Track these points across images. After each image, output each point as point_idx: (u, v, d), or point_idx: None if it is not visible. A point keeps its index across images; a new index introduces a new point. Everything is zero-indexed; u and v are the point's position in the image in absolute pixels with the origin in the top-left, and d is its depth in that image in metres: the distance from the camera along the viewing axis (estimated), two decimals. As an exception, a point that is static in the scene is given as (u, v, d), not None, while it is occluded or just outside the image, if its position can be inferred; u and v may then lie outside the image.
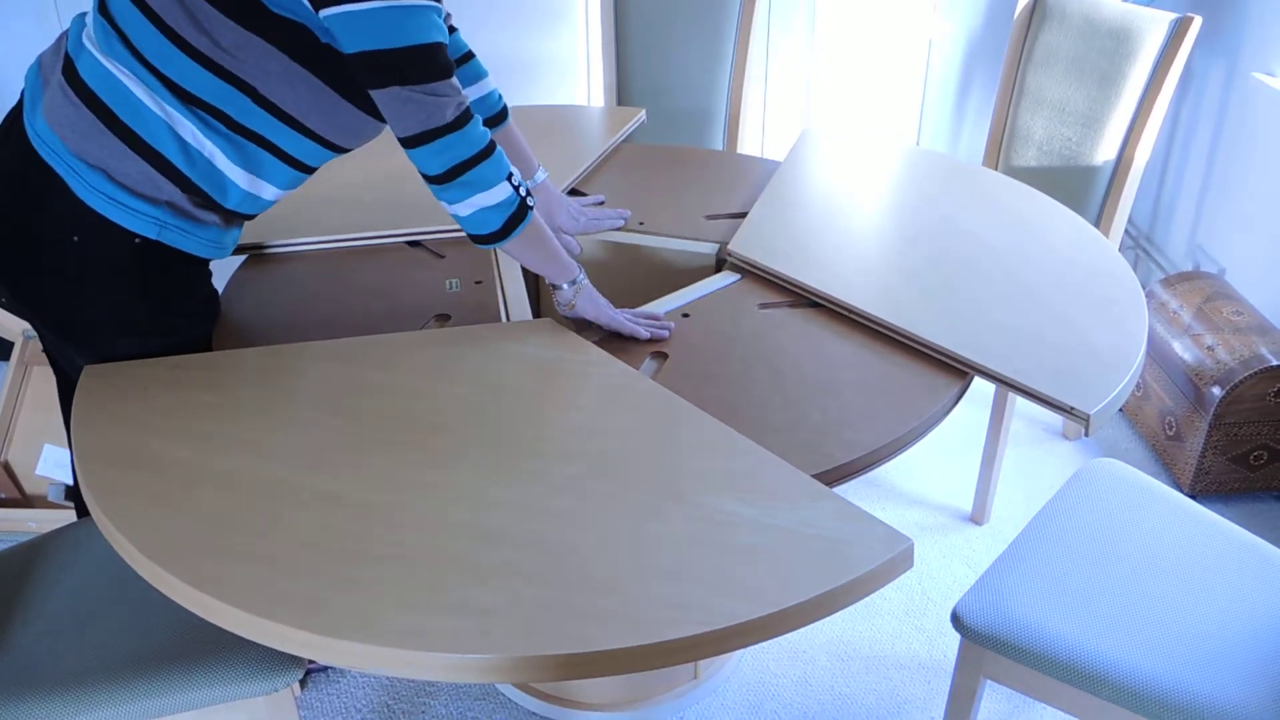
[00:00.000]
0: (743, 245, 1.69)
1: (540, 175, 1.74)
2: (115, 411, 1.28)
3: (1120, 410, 2.57)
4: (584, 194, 1.95)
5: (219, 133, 1.31)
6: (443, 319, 1.55)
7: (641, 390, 1.31)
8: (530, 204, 1.39)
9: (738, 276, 1.65)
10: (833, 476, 1.24)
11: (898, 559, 1.06)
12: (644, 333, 1.48)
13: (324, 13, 1.23)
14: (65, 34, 1.37)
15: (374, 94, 1.27)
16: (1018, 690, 1.39)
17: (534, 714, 1.83)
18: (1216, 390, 2.16)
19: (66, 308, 1.37)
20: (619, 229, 1.81)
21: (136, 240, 1.33)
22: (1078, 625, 1.36)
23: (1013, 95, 2.41)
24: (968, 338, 1.45)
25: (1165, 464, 2.38)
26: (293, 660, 1.30)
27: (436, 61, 1.26)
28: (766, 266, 1.63)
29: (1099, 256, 1.69)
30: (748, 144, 3.08)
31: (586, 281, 1.48)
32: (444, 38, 1.27)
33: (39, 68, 1.37)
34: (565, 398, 1.30)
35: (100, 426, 1.25)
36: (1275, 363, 2.13)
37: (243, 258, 1.73)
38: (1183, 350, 2.30)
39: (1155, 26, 2.14)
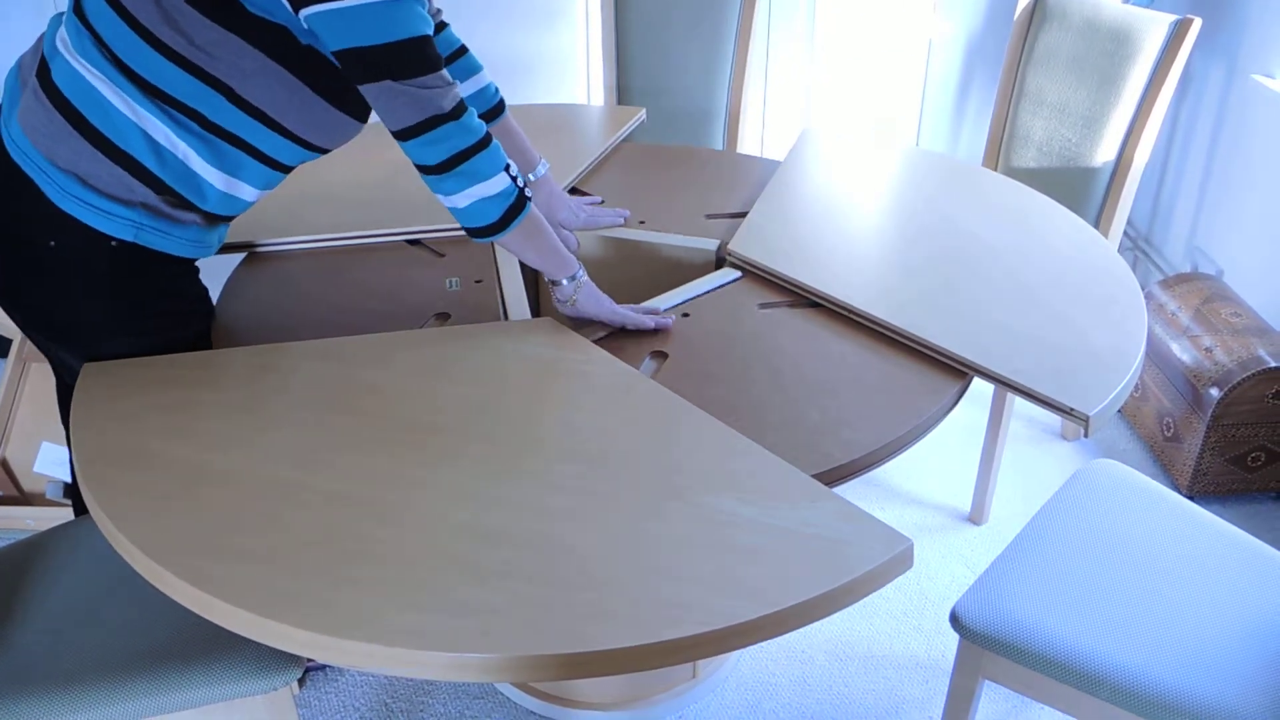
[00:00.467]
0: (743, 245, 1.69)
1: (541, 169, 1.73)
2: (115, 410, 1.28)
3: (1118, 411, 2.58)
4: (585, 193, 1.95)
5: (193, 133, 1.29)
6: (442, 318, 1.55)
7: (641, 390, 1.31)
8: (529, 196, 1.38)
9: (738, 274, 1.65)
10: (832, 476, 1.24)
11: (897, 559, 1.06)
12: (649, 322, 1.48)
13: (305, 12, 1.21)
14: (43, 36, 1.36)
15: (364, 90, 1.26)
16: (1016, 690, 1.39)
17: (533, 713, 1.83)
18: (1214, 391, 2.16)
19: (51, 312, 1.36)
20: (619, 225, 1.81)
21: (113, 243, 1.32)
22: (1076, 625, 1.36)
23: (1012, 96, 2.41)
24: (967, 338, 1.45)
25: (1163, 465, 2.38)
26: (291, 659, 1.30)
27: (425, 54, 1.25)
28: (766, 266, 1.63)
29: (1098, 257, 1.69)
30: (747, 143, 3.08)
31: (587, 277, 1.48)
32: (429, 29, 1.26)
33: (18, 70, 1.36)
34: (565, 397, 1.30)
35: (100, 425, 1.25)
36: (1273, 364, 2.14)
37: (241, 256, 1.73)
38: (1181, 351, 2.30)
39: (1155, 28, 2.14)
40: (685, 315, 1.55)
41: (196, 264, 1.46)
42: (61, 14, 1.36)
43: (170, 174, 1.31)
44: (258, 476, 1.17)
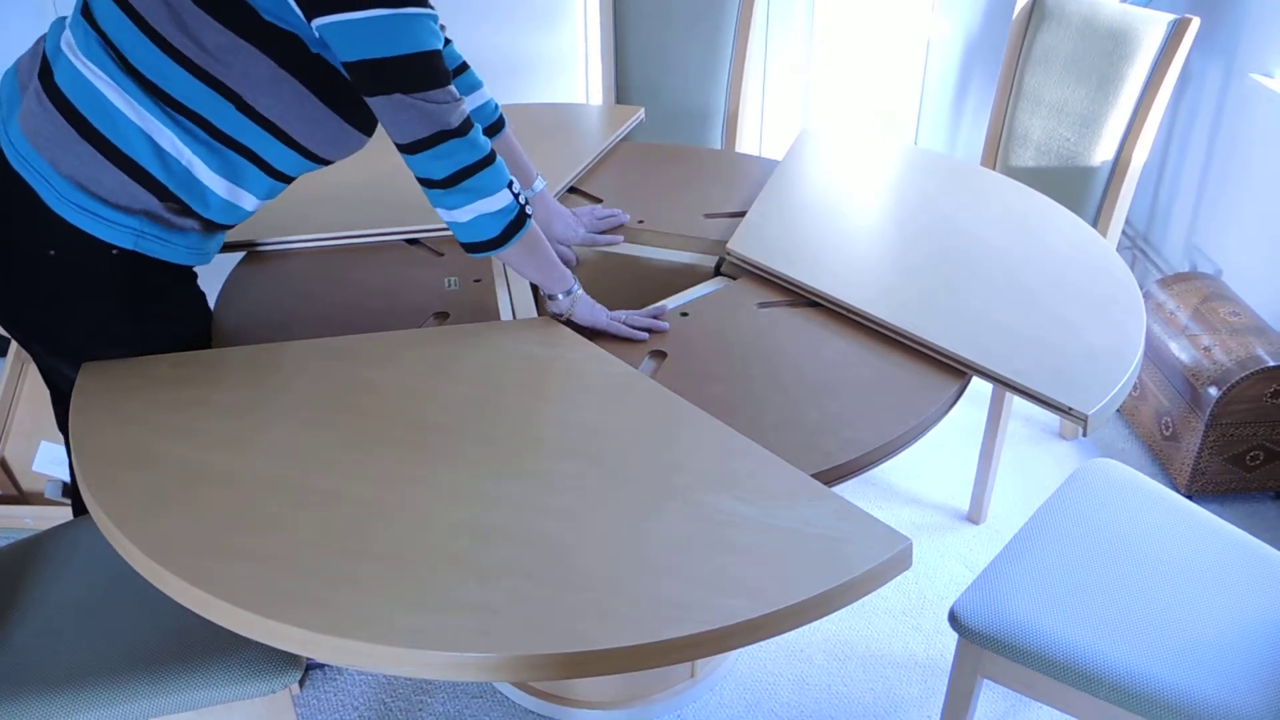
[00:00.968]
0: (741, 244, 1.69)
1: (538, 185, 1.73)
2: (114, 409, 1.28)
3: (1117, 411, 2.58)
4: (585, 193, 1.95)
5: (199, 140, 1.29)
6: (442, 317, 1.55)
7: (641, 389, 1.32)
8: (529, 212, 1.38)
9: (732, 279, 1.65)
10: (831, 476, 1.24)
11: (896, 558, 1.06)
12: (642, 336, 1.48)
13: (317, 22, 1.21)
14: (43, 38, 1.35)
15: (373, 102, 1.25)
16: (1015, 689, 1.39)
17: (531, 712, 1.83)
18: (1213, 391, 2.17)
19: (48, 322, 1.36)
20: (617, 242, 1.80)
21: (114, 251, 1.31)
22: (1075, 625, 1.36)
23: (1011, 95, 2.41)
24: (966, 337, 1.46)
25: (1162, 464, 2.38)
26: (291, 662, 1.30)
27: (435, 68, 1.25)
28: (765, 266, 1.63)
29: (1097, 256, 1.69)
30: (746, 143, 3.08)
31: (582, 291, 1.48)
32: (440, 44, 1.26)
33: (15, 74, 1.35)
34: (565, 396, 1.30)
35: (99, 424, 1.25)
36: (1272, 363, 2.14)
37: (240, 255, 1.73)
38: (1179, 351, 2.30)
39: (1153, 27, 2.14)
40: (684, 315, 1.55)
41: (195, 270, 1.46)
42: (63, 18, 1.35)
43: (174, 181, 1.30)
44: (257, 476, 1.17)
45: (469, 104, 1.65)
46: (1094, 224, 2.27)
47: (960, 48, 2.96)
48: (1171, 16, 2.13)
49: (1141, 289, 2.54)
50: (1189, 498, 2.28)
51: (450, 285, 1.63)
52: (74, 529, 1.49)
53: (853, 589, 1.04)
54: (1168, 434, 2.33)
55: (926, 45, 2.95)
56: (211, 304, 1.57)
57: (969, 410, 2.58)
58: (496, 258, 1.40)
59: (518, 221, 1.37)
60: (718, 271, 1.73)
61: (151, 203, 1.30)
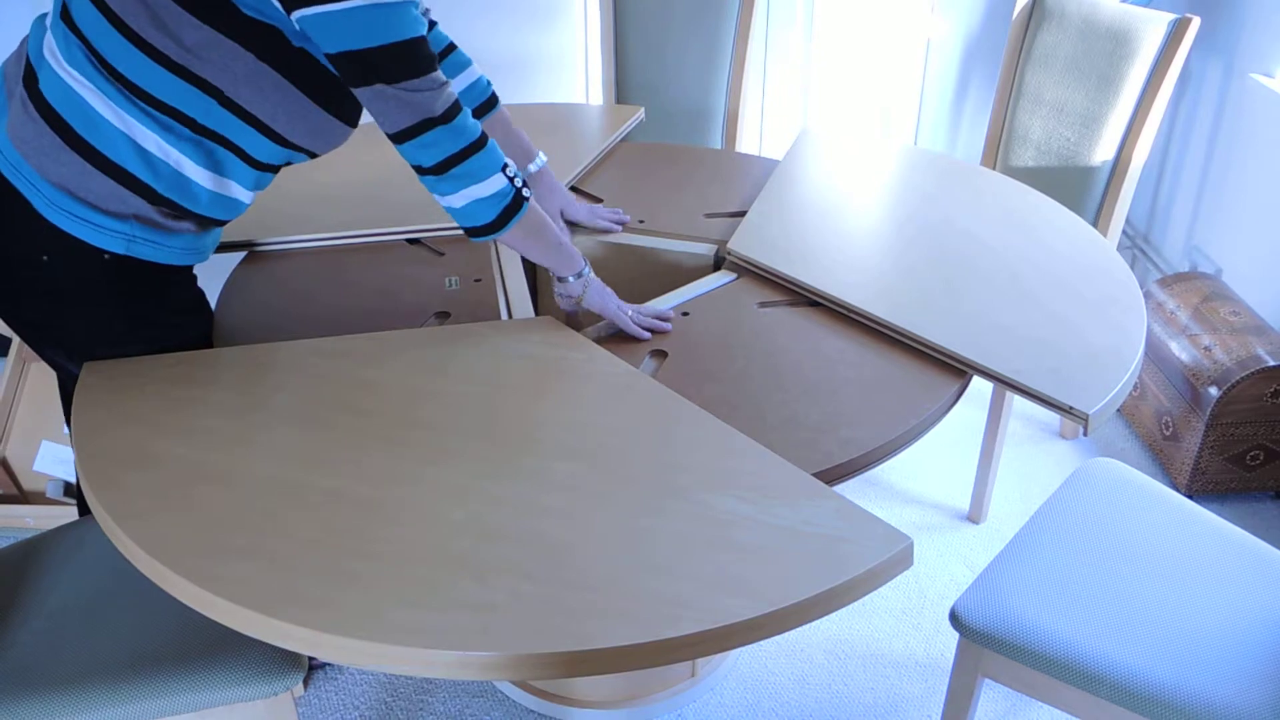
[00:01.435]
0: (742, 244, 1.69)
1: (538, 162, 1.72)
2: (116, 409, 1.28)
3: (1117, 410, 2.58)
4: (585, 193, 1.95)
5: (183, 138, 1.28)
6: (442, 316, 1.55)
7: (641, 388, 1.32)
8: (526, 195, 1.38)
9: (734, 276, 1.65)
10: (831, 475, 1.24)
11: (897, 558, 1.06)
12: (644, 335, 1.48)
13: (298, 14, 1.20)
14: (26, 39, 1.34)
15: (358, 92, 1.25)
16: (1015, 689, 1.39)
17: (532, 711, 1.83)
18: (1213, 390, 2.17)
19: (48, 326, 1.36)
20: (619, 231, 1.81)
21: (106, 256, 1.31)
22: (1075, 624, 1.36)
23: (1011, 95, 2.41)
24: (966, 337, 1.46)
25: (1162, 464, 2.38)
26: (293, 664, 1.30)
27: (419, 56, 1.24)
28: (765, 265, 1.63)
29: (1097, 256, 1.69)
30: (746, 143, 3.08)
31: (593, 275, 1.48)
32: (423, 31, 1.25)
33: (2, 79, 1.34)
34: (565, 395, 1.30)
35: (101, 424, 1.25)
36: (1272, 363, 2.14)
37: (241, 255, 1.73)
38: (1180, 350, 2.30)
39: (1153, 27, 2.14)
40: (685, 314, 1.55)
41: (193, 269, 1.46)
42: (44, 15, 1.34)
43: (163, 183, 1.30)
44: (258, 475, 1.17)
45: (459, 83, 1.65)
46: (1094, 224, 2.27)
47: (960, 47, 2.96)
48: (1171, 16, 2.13)
49: (1142, 289, 2.54)
50: (1189, 497, 2.28)
51: (450, 285, 1.64)
52: (75, 529, 1.49)
53: (853, 588, 1.04)
54: (1168, 433, 2.34)
55: (926, 45, 2.95)
56: (212, 304, 1.58)
57: (969, 410, 2.58)
58: (500, 241, 1.40)
59: (514, 205, 1.36)
60: (717, 266, 1.73)
61: (142, 207, 1.30)
